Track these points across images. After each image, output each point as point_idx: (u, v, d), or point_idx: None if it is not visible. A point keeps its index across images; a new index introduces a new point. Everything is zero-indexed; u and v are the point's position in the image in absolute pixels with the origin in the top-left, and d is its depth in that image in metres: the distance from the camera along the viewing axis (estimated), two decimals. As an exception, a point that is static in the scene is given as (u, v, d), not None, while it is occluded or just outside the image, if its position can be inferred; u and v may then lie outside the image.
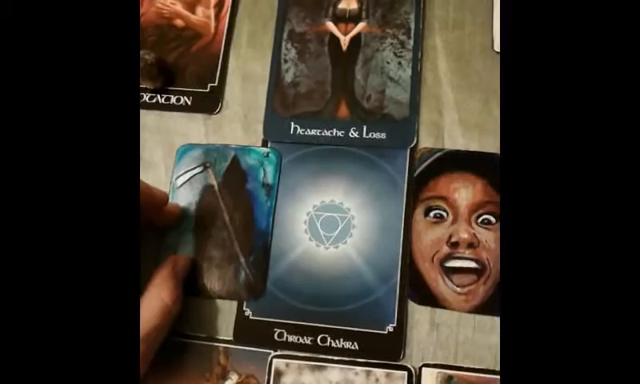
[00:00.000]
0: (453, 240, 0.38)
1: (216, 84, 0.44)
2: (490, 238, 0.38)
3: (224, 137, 0.42)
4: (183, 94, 0.44)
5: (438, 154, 0.40)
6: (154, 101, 0.44)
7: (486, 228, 0.38)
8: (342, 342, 0.37)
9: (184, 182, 0.41)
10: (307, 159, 0.41)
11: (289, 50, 0.44)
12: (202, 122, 0.43)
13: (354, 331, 0.37)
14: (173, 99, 0.44)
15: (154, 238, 0.39)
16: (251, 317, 0.38)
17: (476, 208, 0.38)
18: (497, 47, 0.42)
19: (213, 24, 0.46)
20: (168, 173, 0.42)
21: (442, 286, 0.37)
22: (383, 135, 0.41)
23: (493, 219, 0.38)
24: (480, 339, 0.36)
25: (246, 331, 0.38)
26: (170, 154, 0.42)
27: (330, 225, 0.39)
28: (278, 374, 0.37)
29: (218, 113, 0.43)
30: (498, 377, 0.35)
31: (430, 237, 0.38)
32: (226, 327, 0.38)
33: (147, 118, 0.43)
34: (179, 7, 0.46)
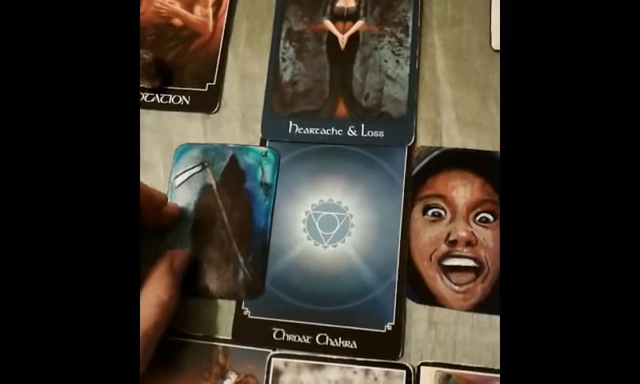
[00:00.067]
0: (451, 238, 0.38)
1: (214, 83, 0.44)
2: (488, 236, 0.38)
3: (222, 136, 0.42)
4: (181, 93, 0.44)
5: (436, 152, 0.40)
6: (153, 100, 0.44)
7: (484, 226, 0.38)
8: (340, 341, 0.37)
9: (182, 182, 0.41)
10: (305, 158, 0.41)
11: (287, 49, 0.44)
12: (201, 121, 0.43)
13: (352, 330, 0.37)
14: (171, 98, 0.44)
15: (152, 237, 0.40)
16: (250, 316, 0.38)
17: (474, 206, 0.38)
18: (494, 45, 0.42)
19: (211, 23, 0.46)
20: (166, 172, 0.42)
21: (441, 285, 0.37)
22: (381, 133, 0.41)
23: (491, 217, 0.38)
24: (478, 338, 0.36)
25: (244, 330, 0.38)
26: (169, 154, 0.42)
27: (328, 224, 0.39)
28: (277, 373, 0.37)
29: (216, 112, 0.43)
30: (497, 375, 0.35)
31: (428, 235, 0.38)
32: (224, 326, 0.38)
33: (145, 117, 0.43)
34: (177, 6, 0.46)
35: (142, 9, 0.46)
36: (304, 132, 0.41)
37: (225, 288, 0.39)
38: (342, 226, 0.39)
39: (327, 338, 0.37)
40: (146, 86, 0.43)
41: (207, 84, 0.44)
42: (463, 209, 0.38)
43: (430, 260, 0.38)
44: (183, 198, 0.41)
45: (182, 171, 0.42)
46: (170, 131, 0.43)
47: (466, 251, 0.38)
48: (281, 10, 0.45)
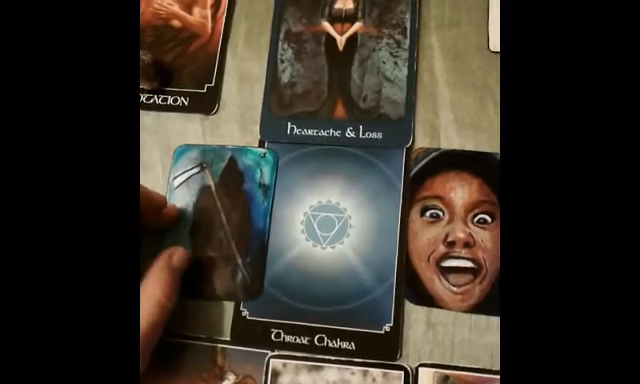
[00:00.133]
0: (449, 239, 0.38)
1: (213, 84, 0.44)
2: (486, 237, 0.38)
3: (221, 137, 0.42)
4: (180, 94, 0.44)
5: (434, 154, 0.40)
6: (151, 101, 0.44)
7: (482, 227, 0.38)
8: (338, 342, 0.37)
9: (181, 183, 0.41)
10: (304, 159, 0.41)
11: (285, 50, 0.44)
12: (199, 122, 0.43)
13: (350, 331, 0.37)
14: (170, 100, 0.44)
15: (151, 239, 0.39)
16: (248, 317, 0.38)
17: (472, 207, 0.38)
18: (492, 46, 0.42)
19: (209, 24, 0.46)
20: (165, 173, 0.42)
21: (439, 286, 0.37)
22: (379, 135, 0.41)
23: (489, 219, 0.38)
24: (476, 339, 0.36)
25: (243, 331, 0.38)
26: (167, 155, 0.42)
27: (326, 225, 0.40)
28: (275, 374, 0.37)
29: (214, 113, 0.43)
30: (495, 376, 0.35)
31: (426, 236, 0.38)
32: (223, 327, 0.38)
33: (144, 118, 0.43)
34: (176, 8, 0.47)
35: (140, 10, 0.46)
36: (302, 133, 0.42)
37: (223, 289, 0.39)
38: (340, 228, 0.39)
39: (325, 338, 0.37)
40: (144, 87, 0.43)
41: (206, 85, 0.44)
42: (461, 210, 0.38)
43: (428, 261, 0.38)
44: (182, 199, 0.41)
45: (180, 172, 0.42)
46: (169, 132, 0.43)
47: (464, 252, 0.38)
48: (279, 11, 0.45)
